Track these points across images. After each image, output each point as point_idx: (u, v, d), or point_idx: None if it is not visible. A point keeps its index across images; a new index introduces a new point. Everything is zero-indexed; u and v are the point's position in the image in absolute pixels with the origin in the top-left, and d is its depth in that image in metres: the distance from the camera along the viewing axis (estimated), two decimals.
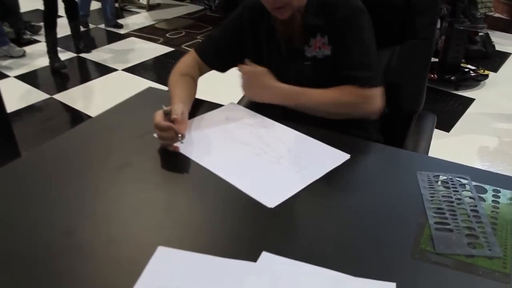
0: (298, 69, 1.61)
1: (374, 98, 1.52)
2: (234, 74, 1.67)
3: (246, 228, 1.12)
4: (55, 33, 4.48)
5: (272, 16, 1.58)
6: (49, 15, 4.36)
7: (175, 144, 1.36)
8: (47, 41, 4.51)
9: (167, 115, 1.37)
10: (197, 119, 1.53)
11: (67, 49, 4.99)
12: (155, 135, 1.39)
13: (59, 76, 4.47)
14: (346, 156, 1.33)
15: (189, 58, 1.72)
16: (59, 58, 4.60)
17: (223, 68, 1.76)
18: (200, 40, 5.27)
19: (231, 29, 1.71)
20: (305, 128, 1.46)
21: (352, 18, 1.53)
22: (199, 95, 1.64)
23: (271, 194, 1.19)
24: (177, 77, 1.63)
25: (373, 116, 1.57)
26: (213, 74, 1.74)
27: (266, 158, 1.34)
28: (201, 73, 1.73)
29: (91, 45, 5.22)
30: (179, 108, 1.40)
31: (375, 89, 1.52)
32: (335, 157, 1.34)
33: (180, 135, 1.33)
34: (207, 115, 1.56)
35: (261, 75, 1.54)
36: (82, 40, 5.09)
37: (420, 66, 1.77)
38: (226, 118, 1.53)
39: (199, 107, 1.60)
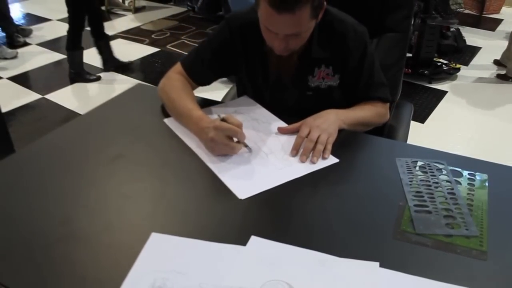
0: (299, 97, 1.57)
1: (388, 110, 1.63)
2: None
3: (235, 214, 1.11)
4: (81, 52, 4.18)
5: (267, 46, 1.46)
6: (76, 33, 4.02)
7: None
8: (71, 62, 4.20)
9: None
10: (210, 109, 1.52)
11: (56, 50, 4.91)
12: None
13: (50, 77, 4.41)
14: (335, 160, 1.31)
15: (178, 75, 1.58)
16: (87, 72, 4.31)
17: (210, 82, 1.64)
18: (184, 41, 5.24)
19: (218, 44, 1.56)
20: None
21: (364, 46, 1.50)
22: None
23: (244, 186, 1.19)
24: (179, 89, 1.51)
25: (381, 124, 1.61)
26: None
27: (255, 152, 1.33)
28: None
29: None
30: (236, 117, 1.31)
31: (388, 103, 1.62)
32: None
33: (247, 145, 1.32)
34: (218, 106, 1.53)
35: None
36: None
37: (397, 58, 1.78)
38: (235, 110, 1.50)
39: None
